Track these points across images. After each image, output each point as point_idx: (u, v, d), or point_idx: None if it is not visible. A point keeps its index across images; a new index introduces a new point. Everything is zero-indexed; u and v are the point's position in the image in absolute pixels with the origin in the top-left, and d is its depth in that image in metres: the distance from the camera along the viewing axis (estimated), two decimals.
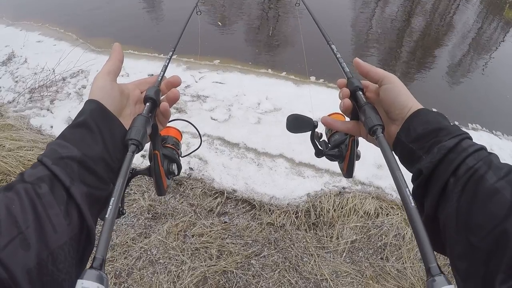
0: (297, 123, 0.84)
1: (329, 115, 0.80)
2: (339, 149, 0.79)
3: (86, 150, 0.52)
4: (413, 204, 0.48)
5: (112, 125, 0.57)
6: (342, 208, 2.90)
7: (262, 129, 3.69)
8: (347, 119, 0.75)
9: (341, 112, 0.73)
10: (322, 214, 2.87)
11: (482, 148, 0.52)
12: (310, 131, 0.84)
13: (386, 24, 7.23)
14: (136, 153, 0.58)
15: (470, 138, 0.55)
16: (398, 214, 2.86)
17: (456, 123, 4.15)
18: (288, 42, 5.87)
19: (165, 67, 0.78)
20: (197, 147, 1.08)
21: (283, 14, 7.06)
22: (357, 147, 0.77)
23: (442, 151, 0.52)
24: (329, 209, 2.87)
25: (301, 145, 3.50)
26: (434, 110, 0.61)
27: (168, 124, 0.77)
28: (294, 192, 3.06)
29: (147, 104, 0.64)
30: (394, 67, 5.62)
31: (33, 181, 0.46)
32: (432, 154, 0.54)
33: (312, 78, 4.69)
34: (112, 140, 0.56)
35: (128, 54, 4.90)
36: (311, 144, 0.84)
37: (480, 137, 4.06)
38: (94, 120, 0.55)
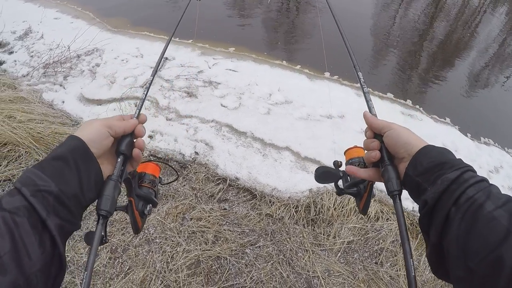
0: (325, 176, 0.90)
1: (349, 149, 0.89)
2: (357, 188, 0.85)
3: (62, 186, 0.55)
4: (413, 273, 0.55)
5: (91, 166, 0.62)
6: (342, 207, 2.86)
7: (271, 120, 3.66)
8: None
9: (361, 146, 0.82)
10: (322, 211, 2.83)
11: (483, 180, 0.56)
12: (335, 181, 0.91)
13: (408, 27, 7.06)
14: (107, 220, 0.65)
15: (473, 170, 0.59)
16: None
17: (469, 135, 4.04)
18: (306, 36, 5.79)
19: (144, 97, 0.86)
20: (174, 178, 1.12)
21: (303, 6, 6.96)
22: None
23: (445, 183, 0.57)
24: (330, 207, 2.83)
25: (308, 140, 3.46)
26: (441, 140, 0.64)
27: (148, 160, 0.84)
28: (296, 186, 3.03)
29: (119, 158, 0.69)
30: (412, 71, 5.48)
31: (11, 209, 0.49)
32: (436, 185, 0.58)
33: (327, 74, 4.62)
34: (88, 181, 0.60)
35: (143, 36, 4.92)
36: (334, 186, 0.91)
37: (491, 152, 3.93)
38: (74, 158, 0.59)
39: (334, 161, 0.91)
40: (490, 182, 0.57)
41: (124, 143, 0.70)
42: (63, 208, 0.54)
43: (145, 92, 0.90)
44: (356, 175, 0.79)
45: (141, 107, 0.82)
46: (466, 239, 0.50)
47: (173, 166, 0.99)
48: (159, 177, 0.88)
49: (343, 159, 0.94)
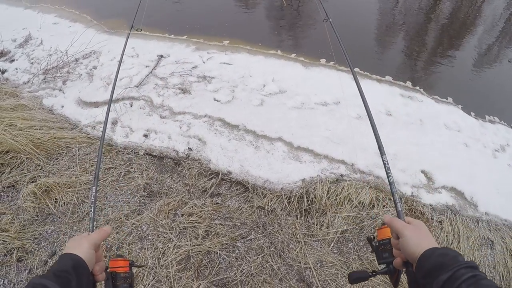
0: (358, 280, 0.98)
1: (381, 228, 1.00)
2: (389, 268, 0.94)
3: None
4: None
5: (88, 278, 0.82)
6: (336, 196, 2.81)
7: (264, 112, 3.62)
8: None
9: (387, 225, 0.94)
10: (315, 201, 2.80)
11: (475, 275, 0.65)
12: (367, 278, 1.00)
13: (413, 7, 6.78)
14: None
15: (470, 266, 0.68)
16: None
17: (472, 114, 3.87)
18: (302, 24, 5.67)
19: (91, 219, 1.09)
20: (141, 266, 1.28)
21: None
22: None
23: (439, 283, 0.68)
24: (323, 196, 2.79)
25: (301, 129, 3.41)
26: (441, 247, 0.76)
27: (115, 259, 0.99)
28: (289, 177, 3.00)
29: None
30: (411, 52, 5.24)
31: None
32: None
33: (322, 61, 4.51)
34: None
35: (139, 35, 4.94)
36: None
37: (497, 130, 3.74)
38: (77, 272, 0.78)
39: (368, 236, 1.05)
40: (486, 275, 0.69)
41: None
42: None
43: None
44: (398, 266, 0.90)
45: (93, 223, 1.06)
46: None
47: (138, 264, 1.29)
48: (130, 262, 1.02)
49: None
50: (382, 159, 1.04)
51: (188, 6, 6.22)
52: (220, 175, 3.02)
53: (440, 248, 0.76)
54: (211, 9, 6.11)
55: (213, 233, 2.60)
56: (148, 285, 2.29)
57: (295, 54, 4.61)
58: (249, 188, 2.93)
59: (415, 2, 7.03)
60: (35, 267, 2.43)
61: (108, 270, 0.95)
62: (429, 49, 5.42)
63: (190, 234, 2.58)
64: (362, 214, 2.74)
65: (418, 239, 0.81)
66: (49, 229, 2.68)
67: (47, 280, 0.70)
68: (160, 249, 2.49)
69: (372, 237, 1.03)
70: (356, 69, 4.32)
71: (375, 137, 1.09)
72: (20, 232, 2.64)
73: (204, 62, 4.40)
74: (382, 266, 0.97)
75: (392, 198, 0.94)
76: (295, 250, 2.51)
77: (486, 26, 6.42)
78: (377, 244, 0.99)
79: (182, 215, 2.72)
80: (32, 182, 2.96)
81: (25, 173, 3.06)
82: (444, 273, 0.68)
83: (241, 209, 2.80)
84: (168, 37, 4.99)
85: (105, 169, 3.11)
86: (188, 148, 3.28)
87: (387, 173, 1.01)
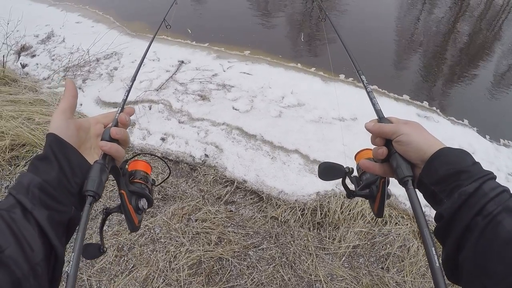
0: (329, 172, 0.83)
1: (360, 152, 0.83)
2: (370, 190, 0.78)
3: (44, 176, 0.56)
4: (437, 264, 0.49)
5: (67, 152, 0.61)
6: (350, 210, 2.81)
7: (281, 123, 3.65)
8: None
9: (371, 148, 0.75)
10: (328, 215, 2.79)
11: (504, 191, 0.52)
12: (342, 178, 0.84)
13: (431, 28, 6.84)
14: (95, 203, 0.61)
15: (493, 178, 0.55)
16: (407, 224, 2.72)
17: (487, 137, 3.86)
18: (322, 39, 5.73)
19: (124, 101, 0.80)
20: (167, 176, 1.09)
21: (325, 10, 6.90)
22: (387, 186, 0.76)
23: (462, 197, 0.53)
24: (336, 210, 2.79)
25: (318, 142, 3.42)
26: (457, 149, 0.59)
27: (137, 158, 0.83)
28: (304, 189, 3.00)
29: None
30: (429, 73, 5.28)
31: (7, 208, 0.52)
32: (453, 199, 0.54)
33: (342, 76, 4.55)
34: (69, 165, 0.60)
35: (161, 40, 5.03)
36: (343, 187, 0.84)
37: (511, 154, 3.74)
38: (52, 150, 0.59)
39: (345, 167, 0.84)
40: None
41: (107, 131, 0.68)
42: (48, 198, 0.55)
43: (130, 86, 0.90)
44: (372, 171, 0.72)
45: (125, 101, 0.80)
46: (483, 257, 0.48)
47: (165, 161, 0.97)
48: (152, 179, 0.85)
49: (353, 164, 0.86)
50: (361, 79, 0.87)
51: (211, 15, 6.32)
52: (235, 183, 3.03)
53: (454, 148, 0.59)
54: (234, 19, 6.22)
55: (225, 240, 2.60)
56: (158, 287, 2.28)
57: (314, 69, 4.66)
58: (264, 198, 2.94)
59: (434, 23, 7.10)
60: None
61: (126, 167, 0.79)
62: (447, 70, 5.46)
63: (202, 239, 2.58)
64: (374, 230, 2.73)
65: (423, 135, 0.63)
66: None
67: (23, 174, 0.56)
68: (172, 253, 2.48)
69: (350, 168, 0.83)
70: (374, 87, 4.35)
71: (351, 61, 1.00)
72: None
73: (224, 71, 4.46)
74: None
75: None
76: (306, 262, 2.50)
77: (504, 49, 6.45)
78: (352, 169, 0.82)
79: (196, 220, 2.72)
80: None
81: None
82: (468, 184, 0.54)
83: (254, 218, 2.79)
84: (190, 44, 5.07)
85: None
86: (205, 154, 3.30)
87: (367, 90, 0.83)
